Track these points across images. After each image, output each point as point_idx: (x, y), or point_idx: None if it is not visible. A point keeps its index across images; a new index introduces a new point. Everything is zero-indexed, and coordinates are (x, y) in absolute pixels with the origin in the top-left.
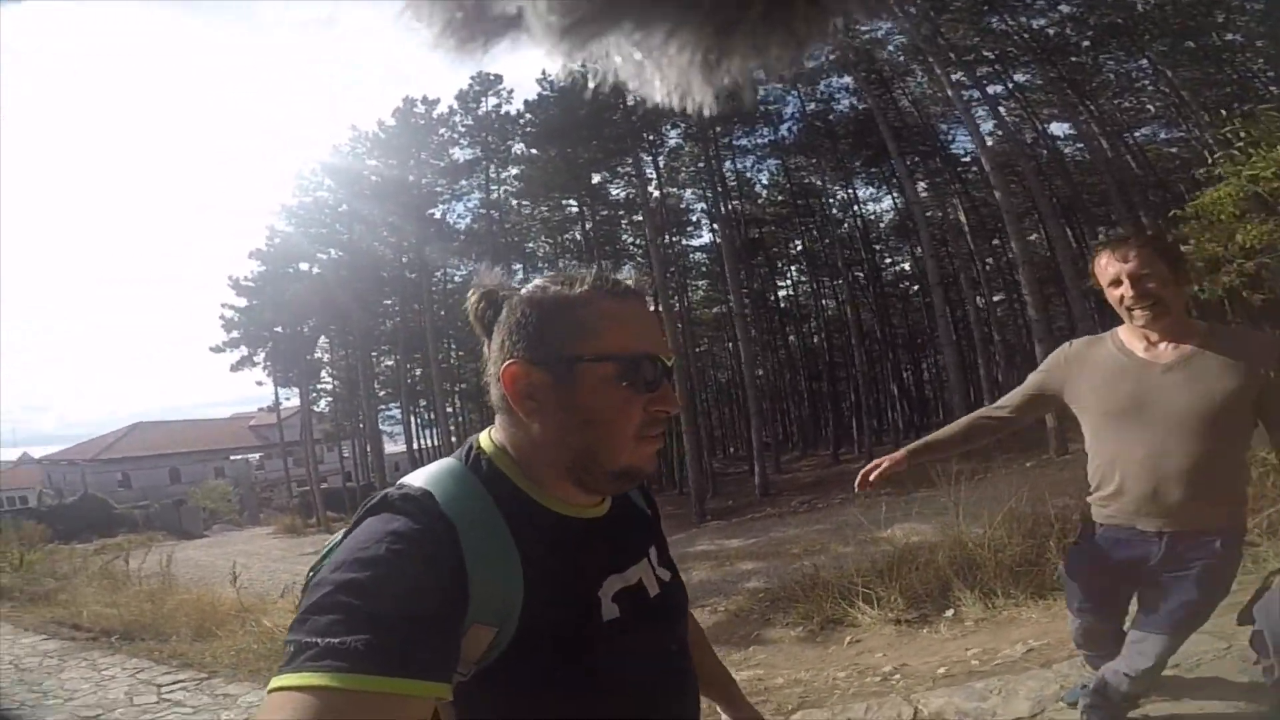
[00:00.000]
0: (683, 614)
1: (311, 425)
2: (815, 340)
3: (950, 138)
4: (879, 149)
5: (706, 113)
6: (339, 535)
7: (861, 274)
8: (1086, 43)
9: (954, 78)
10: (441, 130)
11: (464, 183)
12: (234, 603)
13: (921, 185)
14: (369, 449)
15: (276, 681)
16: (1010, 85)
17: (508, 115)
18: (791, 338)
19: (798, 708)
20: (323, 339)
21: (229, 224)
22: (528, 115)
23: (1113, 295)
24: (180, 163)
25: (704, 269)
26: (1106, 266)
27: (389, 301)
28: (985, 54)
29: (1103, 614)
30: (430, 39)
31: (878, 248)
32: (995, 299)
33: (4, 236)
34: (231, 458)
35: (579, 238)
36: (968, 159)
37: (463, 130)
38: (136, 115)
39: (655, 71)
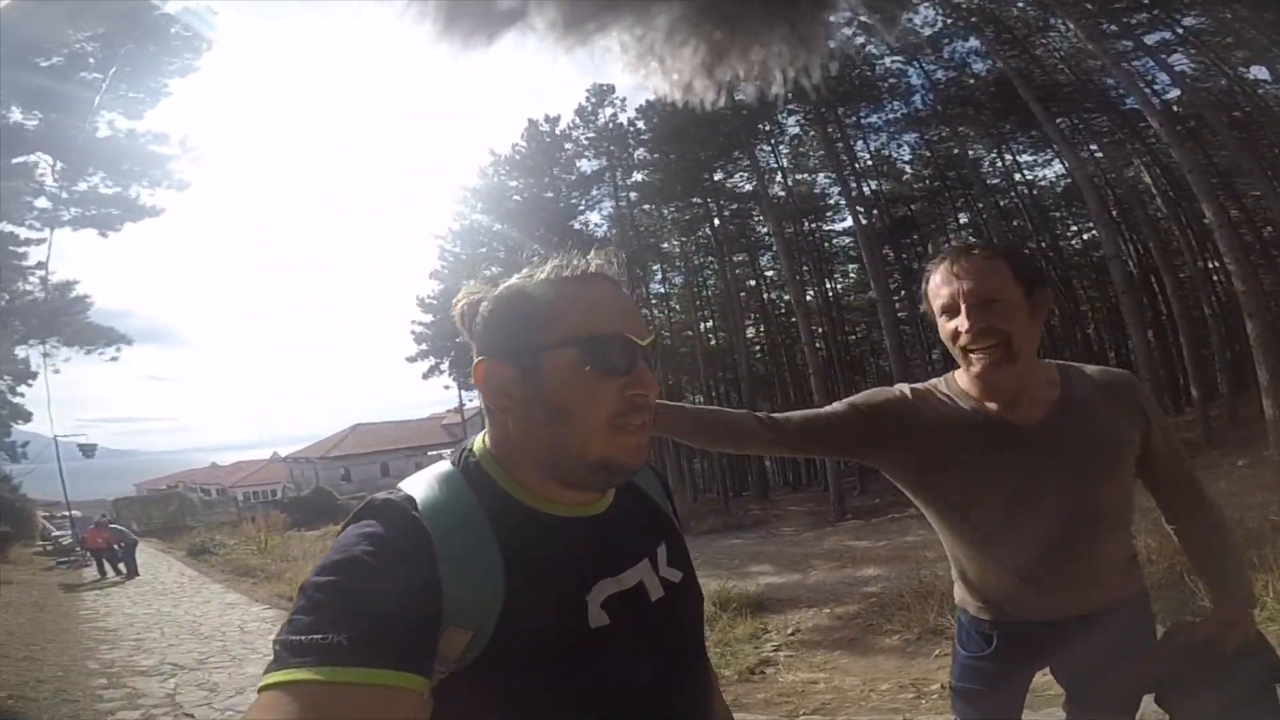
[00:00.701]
0: (693, 618)
1: (473, 425)
2: None
3: (1119, 94)
4: (1027, 112)
5: (709, 107)
6: None
7: (1040, 245)
8: None
9: (1105, 28)
10: (567, 145)
11: (595, 192)
12: None
13: (1093, 148)
14: None
15: (264, 681)
16: (1179, 31)
17: (623, 124)
18: None
19: (813, 711)
20: None
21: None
22: (639, 123)
23: (945, 329)
24: (360, 194)
25: (851, 254)
26: (940, 288)
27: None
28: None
29: None
30: (434, 34)
31: (1057, 214)
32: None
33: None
34: (429, 453)
35: (709, 233)
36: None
37: (585, 143)
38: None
39: (658, 66)
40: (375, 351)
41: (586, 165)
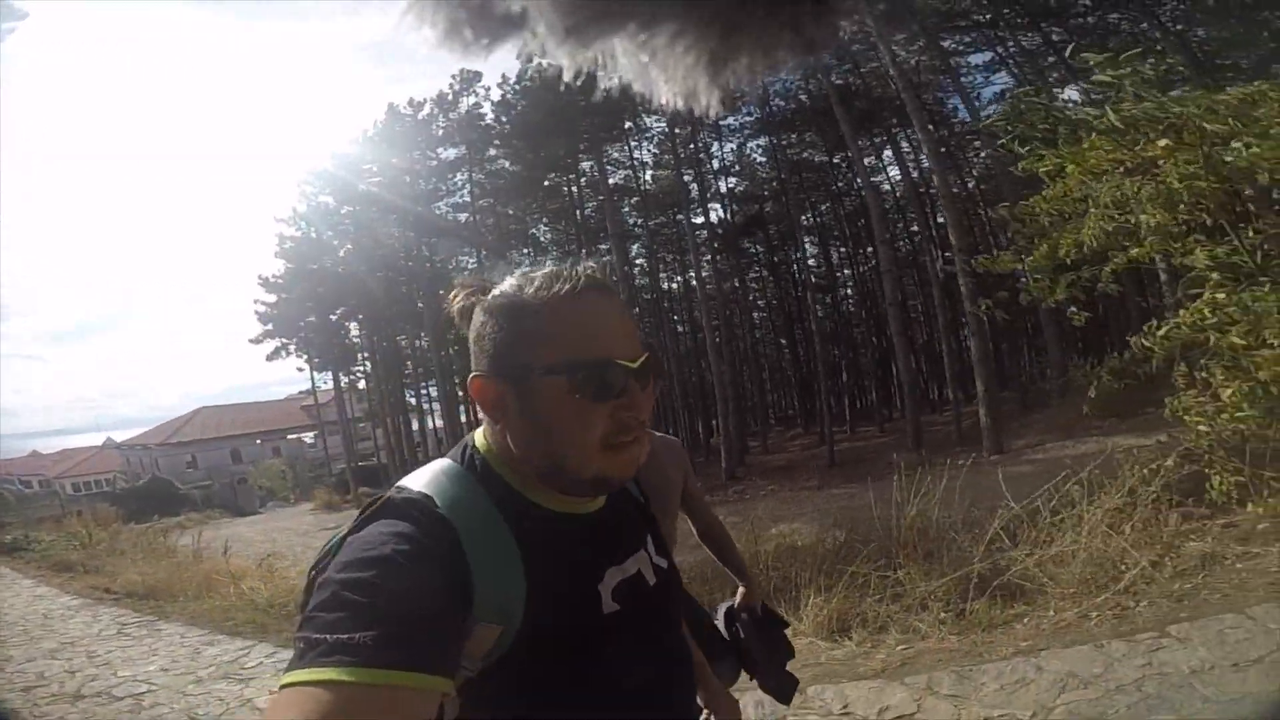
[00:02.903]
0: (678, 601)
1: (350, 406)
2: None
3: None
4: (859, 121)
5: (712, 114)
6: (339, 534)
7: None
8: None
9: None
10: (428, 131)
11: (457, 177)
12: (227, 570)
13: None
14: (400, 427)
15: (287, 678)
16: (1007, 48)
17: (485, 113)
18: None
19: None
20: (354, 325)
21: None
22: (501, 119)
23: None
24: (198, 165)
25: (714, 245)
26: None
27: (411, 287)
28: (976, 18)
29: None
30: (435, 39)
31: (895, 218)
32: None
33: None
34: (288, 437)
35: (579, 219)
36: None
37: (443, 130)
38: (155, 126)
39: (660, 73)
40: (217, 328)
41: (446, 152)
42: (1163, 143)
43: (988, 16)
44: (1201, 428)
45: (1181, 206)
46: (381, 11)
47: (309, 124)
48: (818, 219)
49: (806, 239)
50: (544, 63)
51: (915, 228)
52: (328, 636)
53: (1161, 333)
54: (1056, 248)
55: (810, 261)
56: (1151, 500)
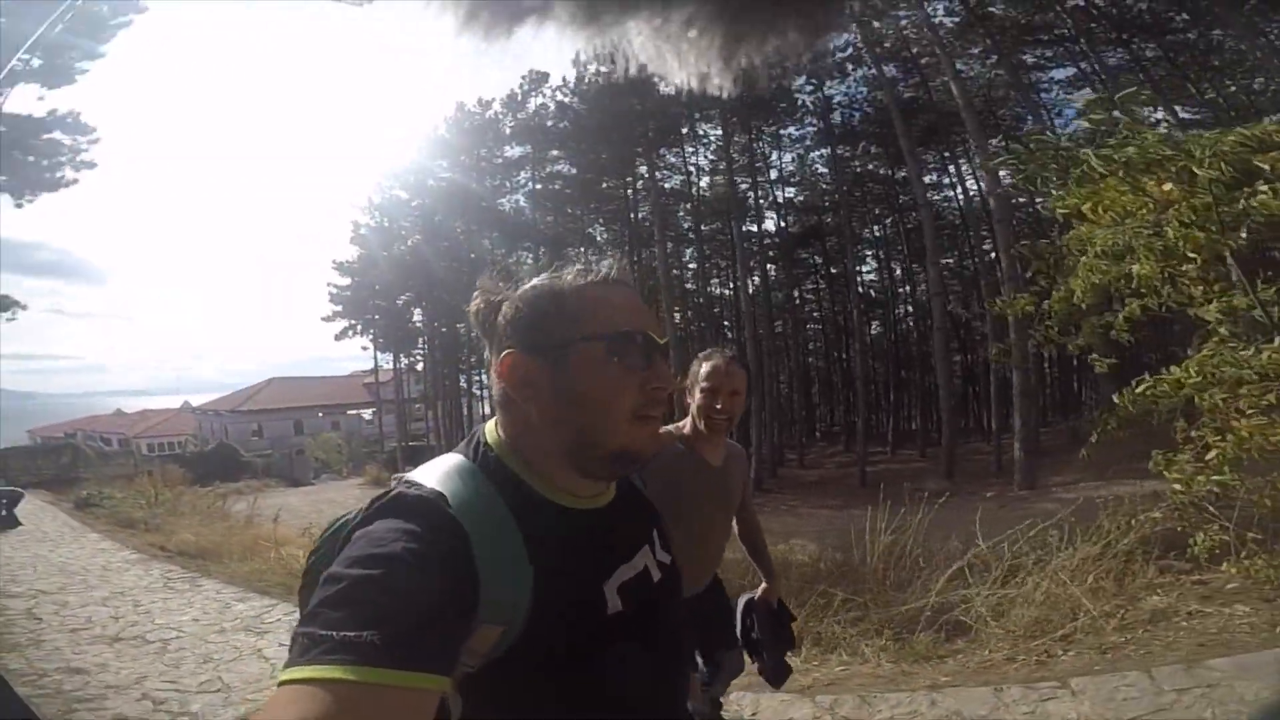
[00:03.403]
0: (679, 596)
1: (408, 386)
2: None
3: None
4: (924, 136)
5: (726, 95)
6: (341, 522)
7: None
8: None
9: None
10: (495, 130)
11: (520, 175)
12: (273, 536)
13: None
14: (453, 411)
15: (287, 674)
16: (1092, 65)
17: (549, 112)
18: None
19: None
20: (418, 310)
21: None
22: (561, 124)
23: (701, 400)
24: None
25: (767, 255)
26: (708, 376)
27: (473, 278)
28: (1059, 31)
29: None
30: (456, 25)
31: (964, 237)
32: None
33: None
34: (348, 413)
35: (634, 220)
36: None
37: (510, 130)
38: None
39: (674, 56)
40: (294, 304)
41: (511, 150)
42: (1167, 187)
43: (1070, 30)
44: (1176, 487)
45: (1176, 257)
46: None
47: (388, 123)
48: (880, 232)
49: (867, 253)
50: (601, 67)
51: (988, 246)
52: (333, 634)
53: (1140, 390)
54: (1072, 292)
55: (870, 276)
56: (1126, 552)
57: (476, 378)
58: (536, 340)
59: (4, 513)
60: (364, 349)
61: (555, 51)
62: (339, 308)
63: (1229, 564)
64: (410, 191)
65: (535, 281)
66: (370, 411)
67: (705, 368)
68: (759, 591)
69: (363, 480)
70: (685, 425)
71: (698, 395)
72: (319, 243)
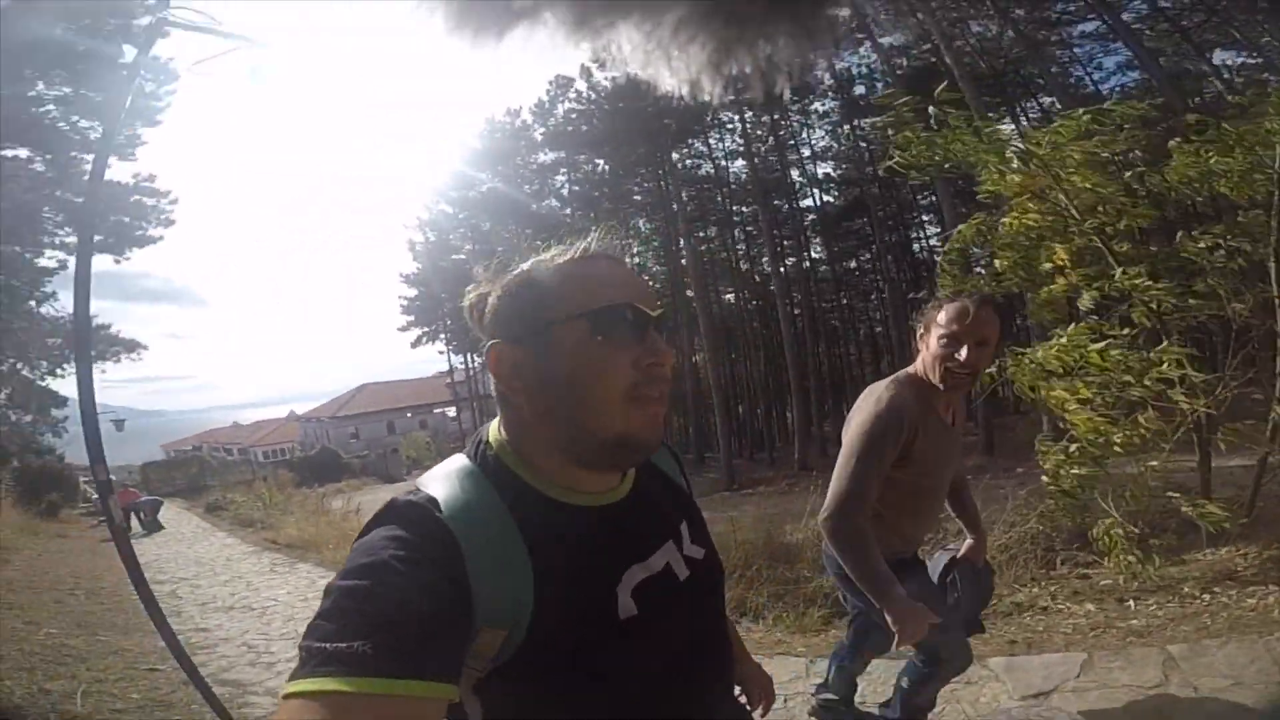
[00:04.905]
0: (716, 592)
1: (483, 384)
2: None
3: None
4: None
5: (715, 101)
6: None
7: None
8: None
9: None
10: (526, 138)
11: (556, 179)
12: (359, 527)
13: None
14: None
15: (289, 688)
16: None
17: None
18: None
19: None
20: None
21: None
22: (586, 127)
23: (939, 349)
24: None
25: (818, 228)
26: (950, 323)
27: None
28: None
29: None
30: (445, 29)
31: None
32: None
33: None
34: (434, 411)
35: (675, 208)
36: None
37: (541, 137)
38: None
39: (665, 62)
40: (379, 313)
41: (545, 156)
42: (1018, 179)
43: None
44: (1045, 479)
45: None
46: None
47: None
48: (929, 199)
49: (924, 218)
50: (611, 76)
51: None
52: (326, 645)
53: (986, 374)
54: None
55: (933, 241)
56: (1030, 539)
57: None
58: (518, 327)
59: (151, 518)
60: (440, 353)
61: (550, 56)
62: (411, 317)
63: (1111, 559)
64: (454, 206)
65: (515, 270)
66: (454, 409)
67: (948, 311)
68: (963, 548)
69: None
70: (915, 372)
71: (933, 343)
72: (388, 257)
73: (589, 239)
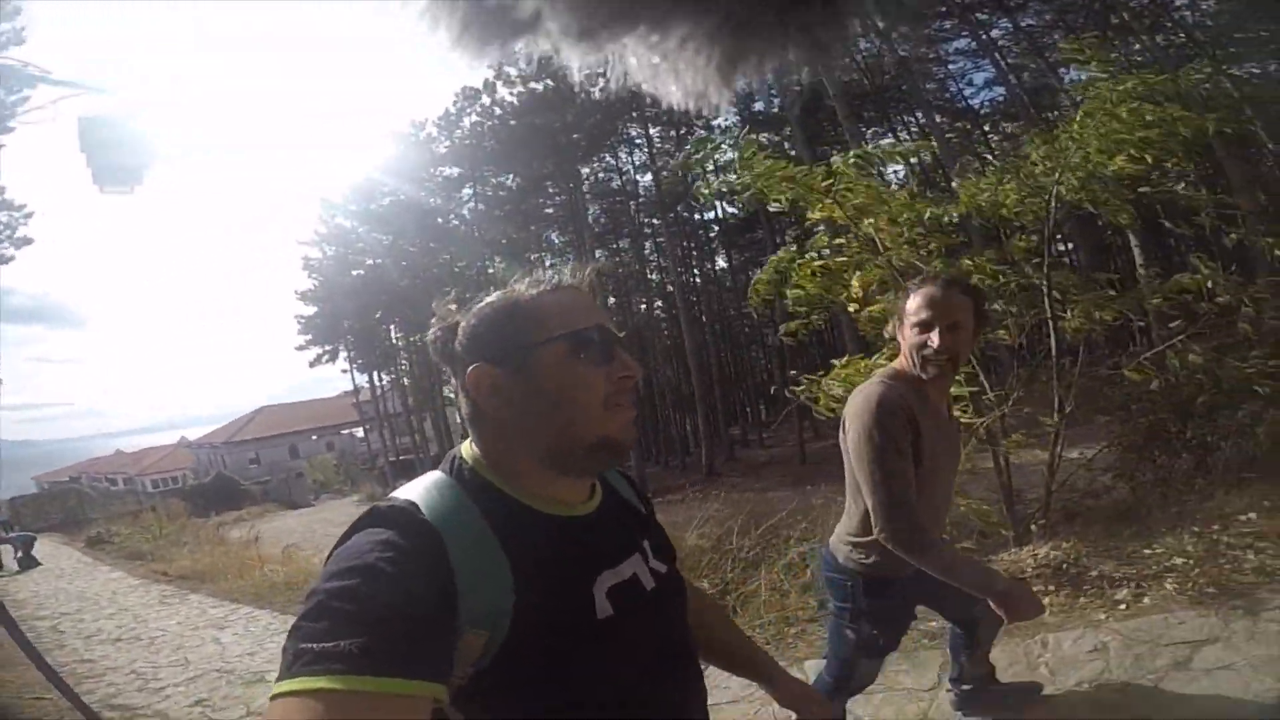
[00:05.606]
0: (680, 606)
1: (391, 402)
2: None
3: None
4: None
5: (721, 119)
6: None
7: None
8: None
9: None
10: (433, 150)
11: (463, 192)
12: (258, 556)
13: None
14: (439, 422)
15: (277, 688)
16: (983, 35)
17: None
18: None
19: None
20: (394, 327)
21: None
22: (490, 142)
23: (913, 338)
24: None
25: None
26: (920, 309)
27: (440, 289)
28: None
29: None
30: (449, 41)
31: None
32: None
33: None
34: (341, 432)
35: (590, 221)
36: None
37: (446, 150)
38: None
39: (671, 74)
40: (278, 334)
41: (450, 170)
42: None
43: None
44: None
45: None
46: (396, 13)
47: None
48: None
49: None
50: (529, 83)
51: None
52: (314, 645)
53: (800, 390)
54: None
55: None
56: None
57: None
58: (498, 350)
59: (24, 555)
60: (343, 371)
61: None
62: (309, 335)
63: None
64: (354, 220)
65: (491, 297)
66: (362, 429)
67: (915, 298)
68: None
69: (360, 497)
70: (900, 367)
71: (907, 332)
72: (284, 273)
73: (562, 272)
